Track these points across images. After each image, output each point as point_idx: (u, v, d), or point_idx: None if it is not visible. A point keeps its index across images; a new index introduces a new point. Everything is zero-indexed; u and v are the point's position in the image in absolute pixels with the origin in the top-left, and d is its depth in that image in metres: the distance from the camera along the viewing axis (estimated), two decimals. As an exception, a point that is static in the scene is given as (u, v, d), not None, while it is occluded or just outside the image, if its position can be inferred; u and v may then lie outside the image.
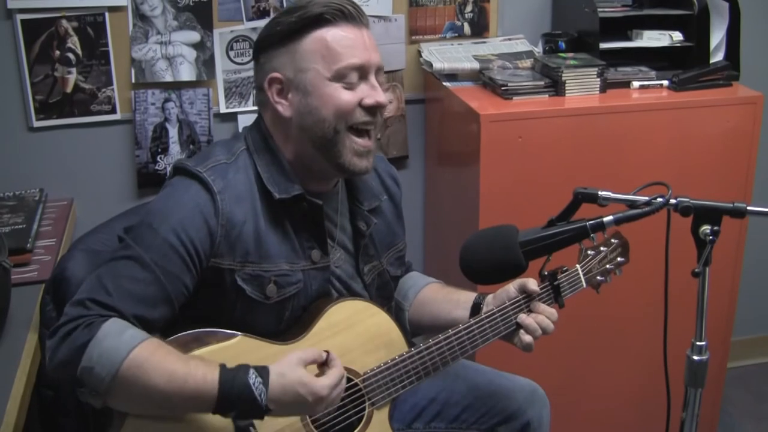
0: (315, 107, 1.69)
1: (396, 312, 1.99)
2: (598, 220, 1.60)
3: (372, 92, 1.71)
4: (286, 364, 1.57)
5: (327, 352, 1.63)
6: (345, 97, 1.69)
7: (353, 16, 1.70)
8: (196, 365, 1.53)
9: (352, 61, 1.68)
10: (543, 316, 1.82)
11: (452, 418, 1.97)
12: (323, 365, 1.63)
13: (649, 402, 2.79)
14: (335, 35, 1.69)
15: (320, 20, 1.68)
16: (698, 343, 1.57)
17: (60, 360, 1.51)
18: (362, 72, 1.70)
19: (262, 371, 1.54)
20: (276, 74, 1.71)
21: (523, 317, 1.82)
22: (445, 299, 1.95)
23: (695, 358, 1.57)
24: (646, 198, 1.56)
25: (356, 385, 1.74)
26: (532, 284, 1.83)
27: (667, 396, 1.69)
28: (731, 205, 1.51)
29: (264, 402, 1.52)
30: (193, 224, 1.62)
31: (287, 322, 1.76)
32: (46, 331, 1.80)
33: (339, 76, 1.68)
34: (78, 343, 1.49)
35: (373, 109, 1.71)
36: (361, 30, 1.72)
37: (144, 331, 1.56)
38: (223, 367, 1.53)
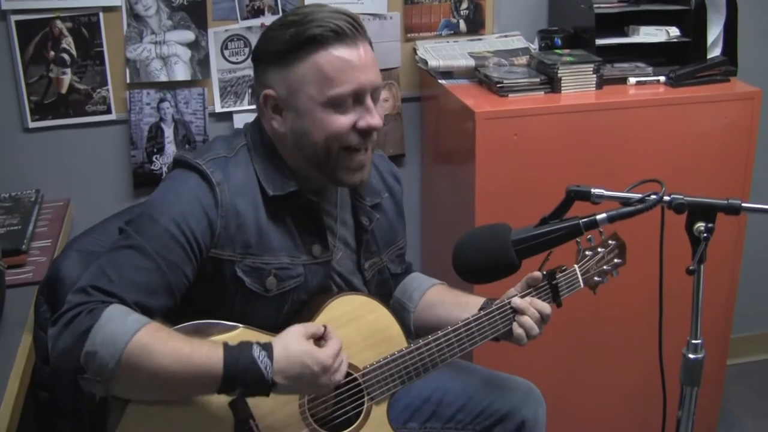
0: (307, 130, 1.68)
1: (400, 313, 1.98)
2: (591, 218, 1.58)
3: (366, 115, 1.68)
4: (289, 337, 1.59)
5: (324, 326, 1.64)
6: (337, 123, 1.66)
7: (348, 35, 1.64)
8: (199, 344, 1.53)
9: (345, 88, 1.64)
10: (539, 302, 1.84)
11: (447, 418, 1.97)
12: (321, 339, 1.63)
13: (646, 400, 2.79)
14: (329, 60, 1.63)
15: (314, 41, 1.63)
16: (694, 341, 1.55)
17: (63, 347, 1.50)
18: (357, 96, 1.67)
19: (266, 346, 1.55)
20: (270, 91, 1.70)
21: (518, 300, 1.83)
22: (453, 302, 1.95)
23: (691, 356, 1.55)
24: (640, 195, 1.55)
25: (355, 379, 1.74)
26: (535, 274, 1.86)
27: (663, 394, 1.69)
28: (726, 201, 1.50)
29: (270, 375, 1.53)
30: (193, 215, 1.63)
31: (286, 315, 1.76)
32: (41, 331, 1.81)
33: (332, 103, 1.65)
34: (81, 328, 1.48)
35: (367, 133, 1.70)
36: (357, 48, 1.66)
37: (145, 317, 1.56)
38: (226, 344, 1.54)
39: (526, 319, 1.82)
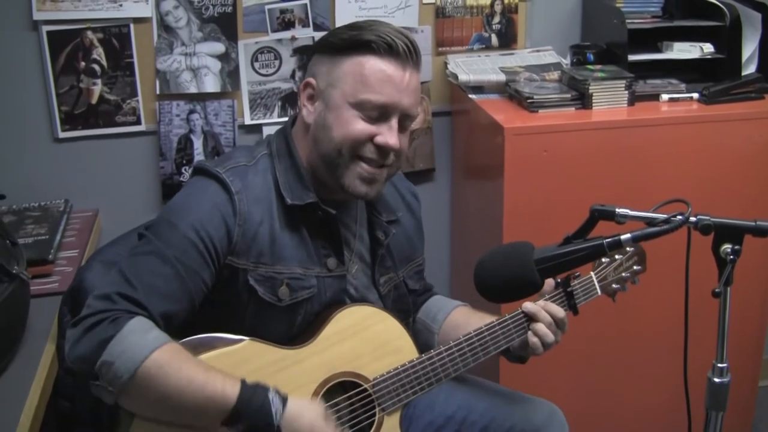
0: (329, 125, 1.70)
1: (425, 334, 1.98)
2: (616, 238, 1.55)
3: (387, 133, 1.70)
4: (309, 404, 1.62)
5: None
6: (358, 127, 1.69)
7: (400, 54, 1.68)
8: (215, 374, 1.55)
9: (377, 97, 1.67)
10: (552, 305, 1.83)
11: None
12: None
13: (671, 424, 2.73)
14: (373, 66, 1.68)
15: (367, 46, 1.67)
16: (720, 364, 1.51)
17: (81, 352, 1.52)
18: (384, 111, 1.69)
19: (282, 394, 1.57)
20: (312, 80, 1.74)
21: (529, 304, 1.83)
22: (477, 323, 1.92)
23: (716, 380, 1.52)
24: (665, 216, 1.51)
25: (365, 390, 1.74)
26: (548, 281, 1.84)
27: (688, 418, 1.65)
28: (753, 223, 1.46)
29: (278, 420, 1.54)
30: (211, 222, 1.65)
31: (299, 328, 1.76)
32: (65, 342, 1.82)
33: (360, 106, 1.68)
34: (102, 337, 1.50)
35: (383, 150, 1.71)
36: (405, 70, 1.69)
37: (167, 329, 1.58)
38: (244, 380, 1.55)
39: (540, 327, 1.81)
